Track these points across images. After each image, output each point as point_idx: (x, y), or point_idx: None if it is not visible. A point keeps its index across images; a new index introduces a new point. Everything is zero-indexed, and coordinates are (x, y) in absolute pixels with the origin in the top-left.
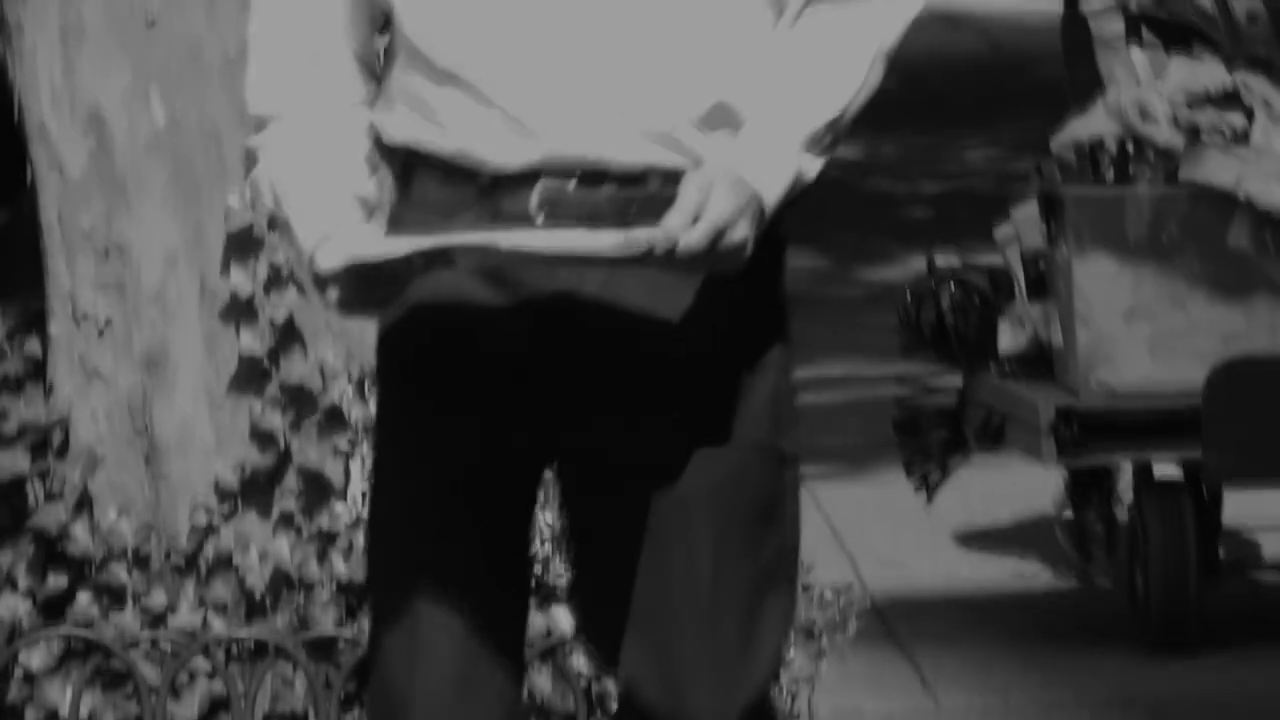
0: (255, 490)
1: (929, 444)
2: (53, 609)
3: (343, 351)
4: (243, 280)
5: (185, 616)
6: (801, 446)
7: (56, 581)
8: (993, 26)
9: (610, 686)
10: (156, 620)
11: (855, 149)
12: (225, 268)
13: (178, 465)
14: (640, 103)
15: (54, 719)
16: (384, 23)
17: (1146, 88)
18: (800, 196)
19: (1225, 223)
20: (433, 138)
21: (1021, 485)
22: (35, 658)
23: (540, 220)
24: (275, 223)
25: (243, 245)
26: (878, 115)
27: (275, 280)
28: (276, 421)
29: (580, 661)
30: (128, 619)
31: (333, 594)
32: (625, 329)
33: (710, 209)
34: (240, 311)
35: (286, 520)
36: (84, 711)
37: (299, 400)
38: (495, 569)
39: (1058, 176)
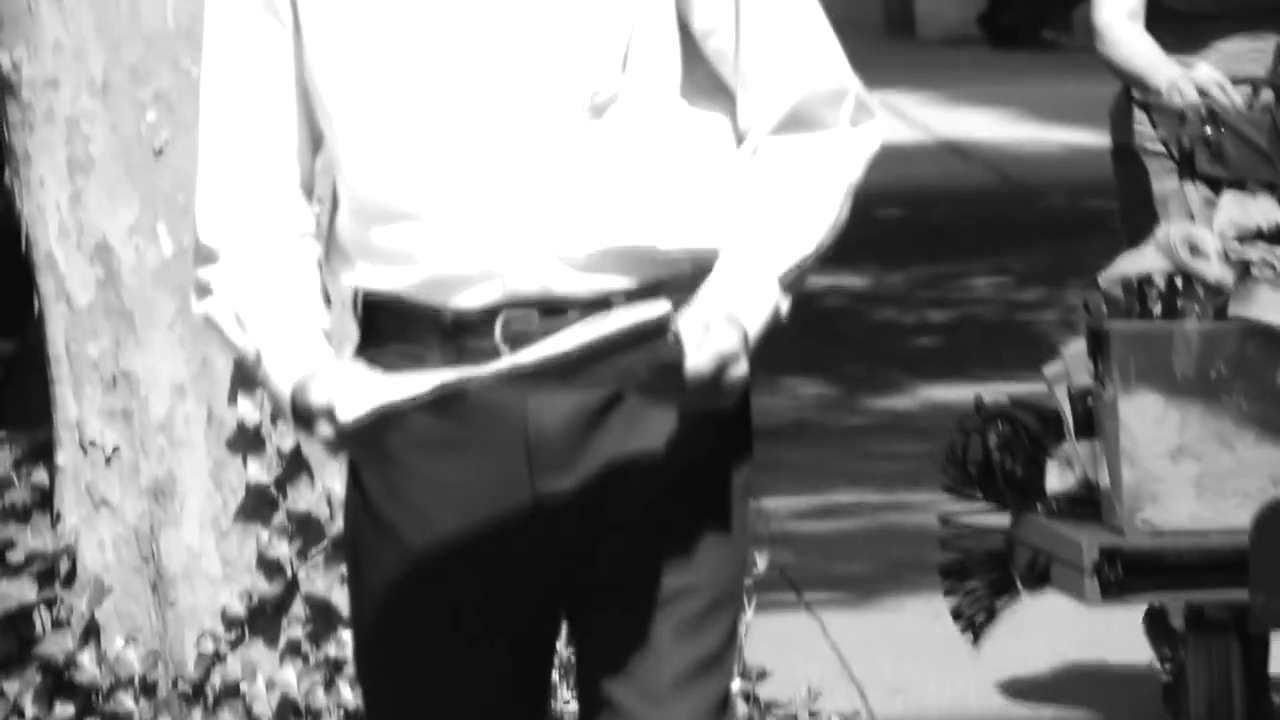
0: (262, 619)
1: (977, 589)
2: None
3: None
4: (250, 410)
5: None
6: (809, 574)
7: (64, 710)
8: (1001, 157)
9: None
10: None
11: (863, 278)
12: (233, 397)
13: (185, 594)
14: (598, 232)
15: None
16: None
17: (1196, 223)
18: (773, 333)
19: (1275, 360)
20: (389, 283)
21: (1029, 616)
22: None
23: (506, 354)
24: (239, 354)
25: (250, 375)
26: (886, 245)
27: (282, 410)
28: (284, 550)
29: None
30: None
31: None
32: (627, 461)
33: (714, 342)
34: (247, 441)
35: (294, 649)
36: None
37: (306, 529)
38: (510, 698)
39: (1104, 312)
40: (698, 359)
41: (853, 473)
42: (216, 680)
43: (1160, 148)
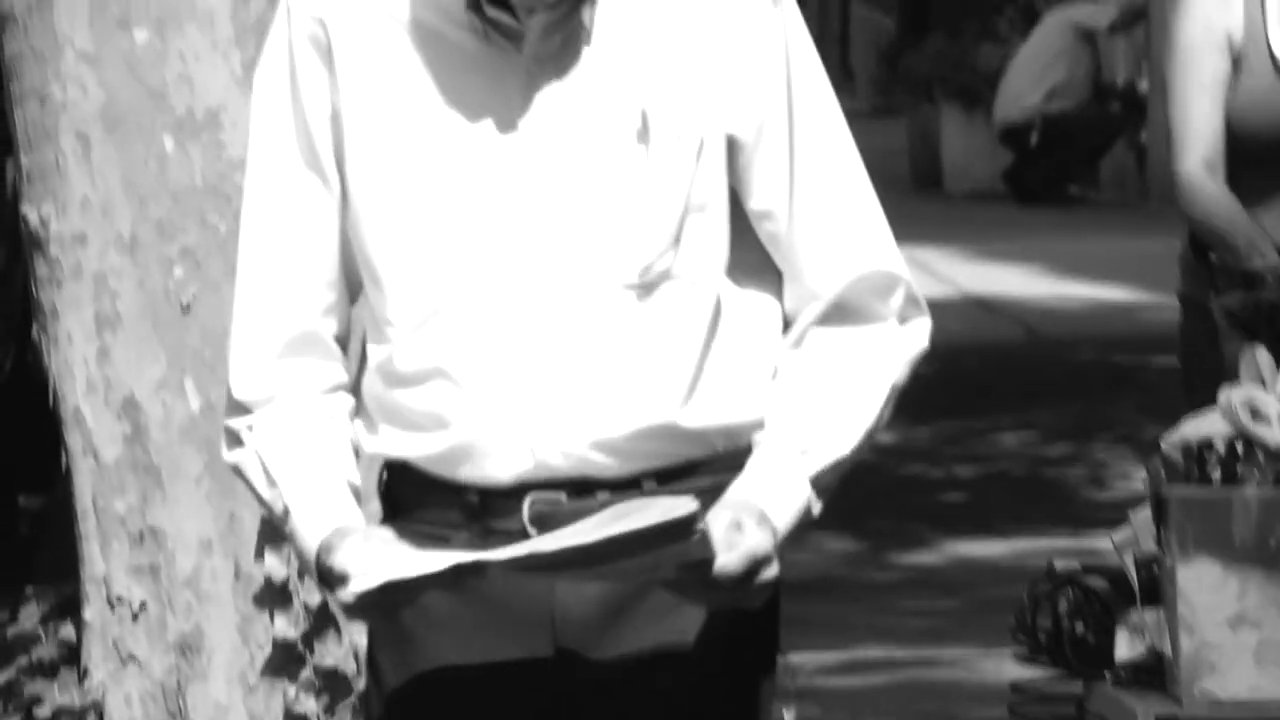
0: None
1: None
2: None
3: None
4: (277, 565)
5: None
6: None
7: None
8: (1028, 312)
9: None
10: None
11: (890, 433)
12: (259, 553)
13: None
14: (634, 411)
15: None
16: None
17: (1258, 386)
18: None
19: None
20: (415, 450)
21: None
22: None
23: (532, 535)
24: (267, 507)
25: (277, 531)
26: (914, 401)
27: (308, 567)
28: (311, 706)
29: None
30: None
31: None
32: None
33: (746, 543)
34: (274, 596)
35: None
36: None
37: (333, 685)
38: None
39: (1163, 477)
40: (729, 559)
41: (879, 628)
42: None
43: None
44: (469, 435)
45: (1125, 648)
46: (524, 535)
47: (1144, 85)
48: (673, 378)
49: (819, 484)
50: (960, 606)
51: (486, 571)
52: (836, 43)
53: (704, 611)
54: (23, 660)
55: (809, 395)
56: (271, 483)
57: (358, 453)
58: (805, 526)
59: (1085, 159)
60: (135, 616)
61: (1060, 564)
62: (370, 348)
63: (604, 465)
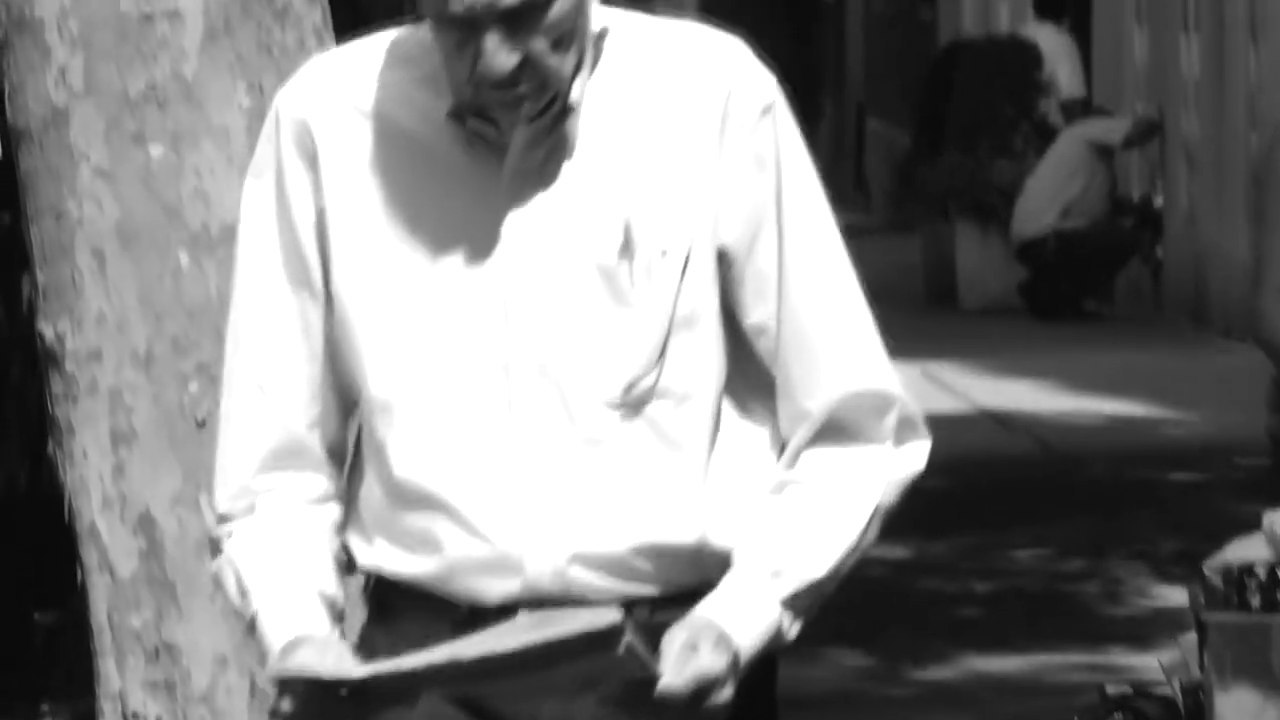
0: None
1: None
2: None
3: None
4: None
5: None
6: None
7: None
8: (1043, 427)
9: None
10: None
11: (906, 548)
12: None
13: None
14: (623, 532)
15: None
16: (352, 410)
17: None
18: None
19: None
20: (408, 566)
21: None
22: None
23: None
24: (243, 618)
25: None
26: (928, 515)
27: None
28: None
29: None
30: None
31: None
32: None
33: (697, 664)
34: None
35: None
36: None
37: None
38: None
39: (1202, 602)
40: (674, 680)
41: None
42: None
43: None
44: (460, 556)
45: None
46: None
47: (1159, 200)
48: (661, 498)
49: (795, 606)
50: None
51: (420, 684)
52: (851, 158)
53: None
54: None
55: (787, 516)
56: (243, 591)
57: (350, 564)
58: (777, 647)
59: (1101, 274)
60: None
61: (1111, 688)
62: (366, 463)
63: (594, 587)
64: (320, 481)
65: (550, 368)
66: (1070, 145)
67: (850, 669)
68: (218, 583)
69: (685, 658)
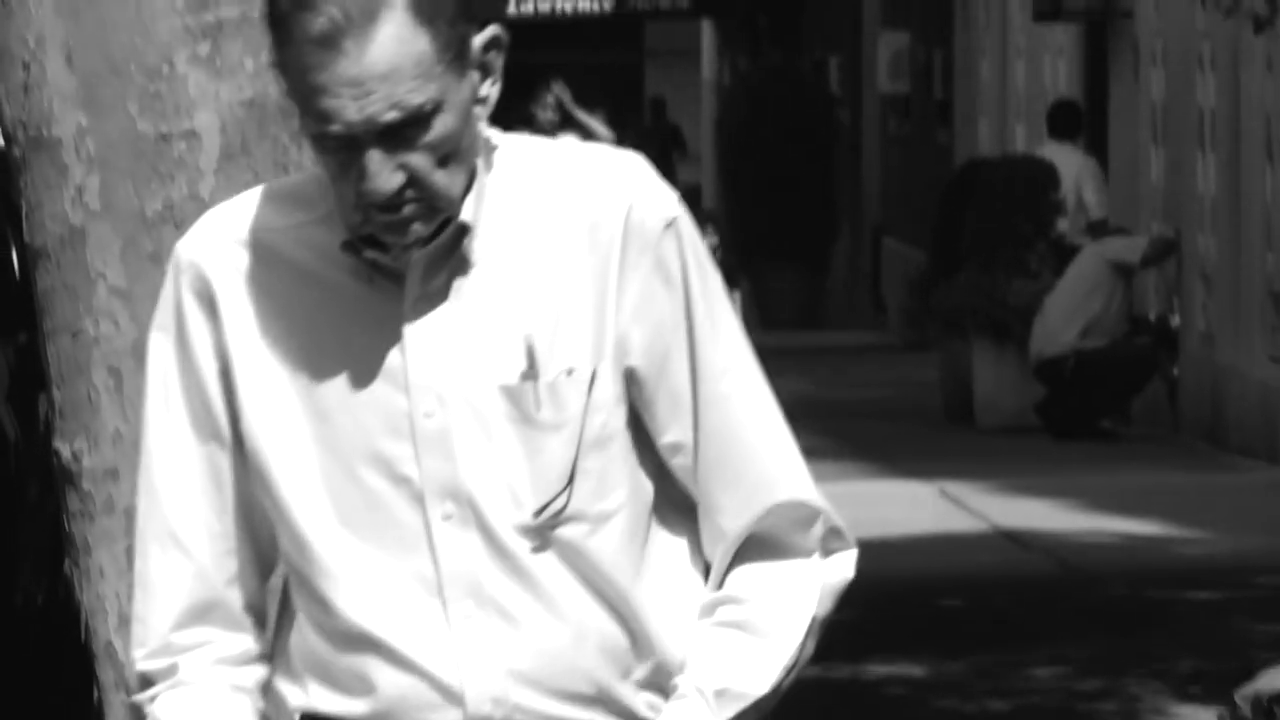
0: None
1: None
2: None
3: None
4: None
5: None
6: None
7: None
8: (1060, 546)
9: None
10: None
11: (922, 667)
12: None
13: None
14: (555, 661)
15: None
16: (272, 569)
17: None
18: None
19: None
20: (345, 708)
21: None
22: None
23: None
24: None
25: None
26: (945, 634)
27: None
28: None
29: None
30: None
31: None
32: None
33: None
34: None
35: None
36: None
37: None
38: None
39: None
40: None
41: None
42: None
43: None
44: (397, 694)
45: None
46: None
47: (1175, 320)
48: (588, 620)
49: None
50: None
51: None
52: (868, 277)
53: None
54: None
55: (725, 635)
56: None
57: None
58: None
59: (1119, 394)
60: None
61: None
62: (296, 605)
63: (537, 712)
64: (241, 640)
65: (463, 494)
66: (1089, 264)
67: None
68: None
69: None
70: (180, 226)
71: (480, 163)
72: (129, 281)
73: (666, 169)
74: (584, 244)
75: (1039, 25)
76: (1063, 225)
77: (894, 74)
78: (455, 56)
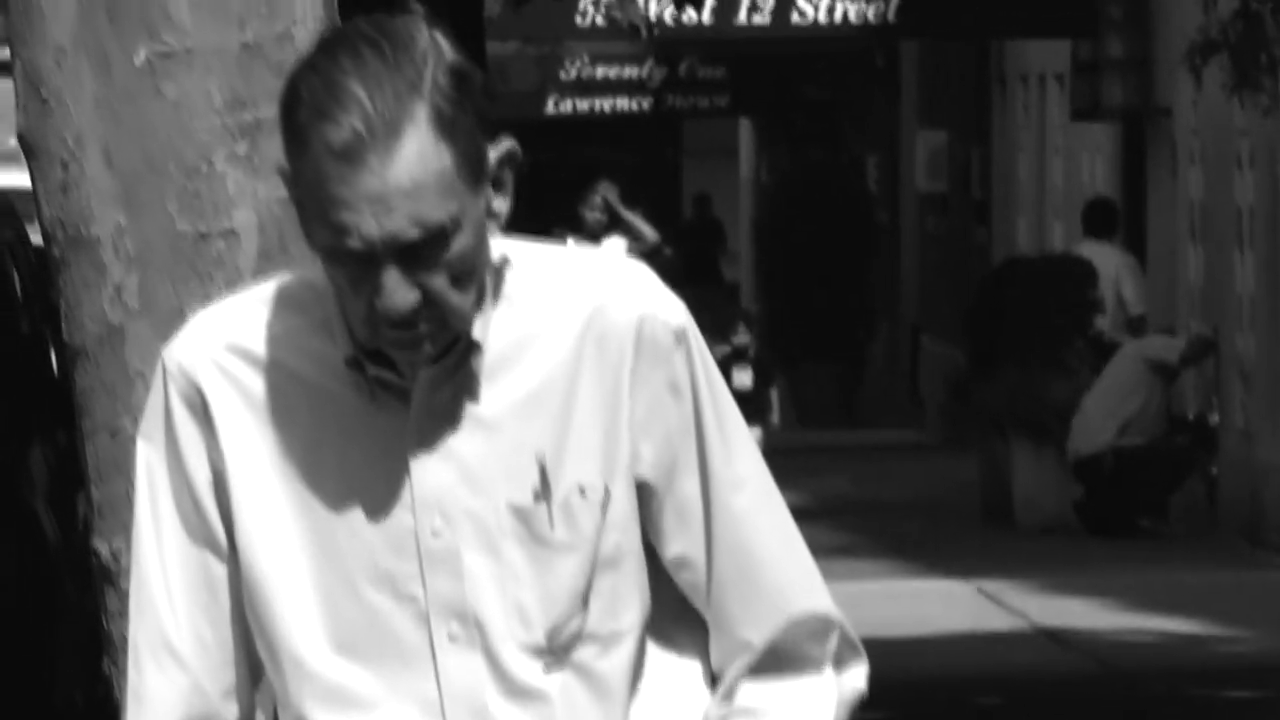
0: None
1: None
2: None
3: None
4: None
5: None
6: None
7: None
8: (1099, 645)
9: None
10: None
11: None
12: None
13: None
14: None
15: None
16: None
17: None
18: None
19: None
20: None
21: None
22: None
23: None
24: None
25: None
26: None
27: None
28: None
29: None
30: None
31: None
32: None
33: None
34: None
35: None
36: None
37: None
38: None
39: None
40: None
41: None
42: None
43: None
44: None
45: None
46: None
47: (1214, 418)
48: None
49: None
50: None
51: None
52: (905, 374)
53: None
54: None
55: None
56: None
57: None
58: None
59: (1157, 492)
60: None
61: None
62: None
63: None
64: None
65: (470, 615)
66: (1128, 363)
67: None
68: None
69: None
70: None
71: (489, 276)
72: None
73: (711, 266)
74: (593, 357)
75: (1077, 124)
76: (1102, 323)
77: (932, 172)
78: (473, 171)
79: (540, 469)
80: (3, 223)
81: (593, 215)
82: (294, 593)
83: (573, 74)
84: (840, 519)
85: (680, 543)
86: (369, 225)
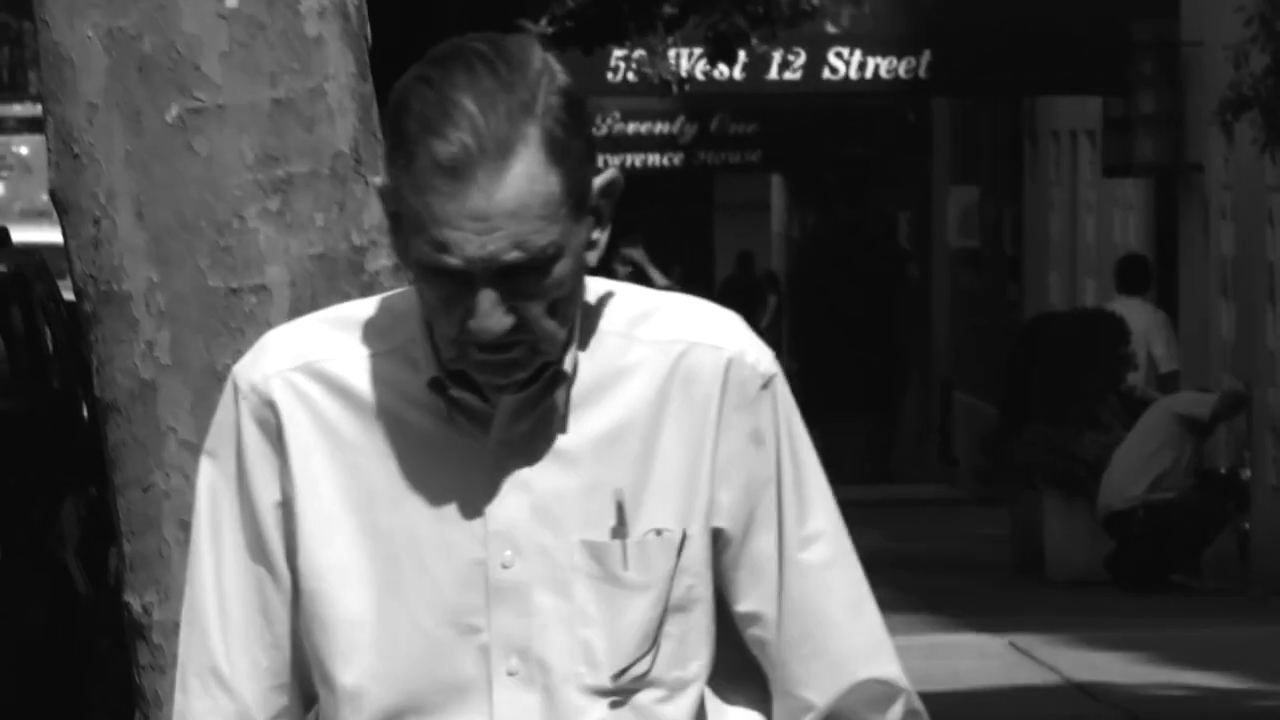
0: None
1: None
2: None
3: None
4: None
5: None
6: None
7: None
8: (1130, 699)
9: None
10: None
11: None
12: None
13: None
14: None
15: None
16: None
17: None
18: None
19: None
20: None
21: None
22: None
23: None
24: None
25: None
26: None
27: None
28: None
29: None
30: None
31: None
32: None
33: None
34: None
35: None
36: None
37: None
38: None
39: None
40: None
41: None
42: None
43: None
44: None
45: None
46: None
47: (1246, 473)
48: None
49: None
50: None
51: None
52: (937, 430)
53: None
54: None
55: None
56: None
57: None
58: None
59: (1189, 547)
60: None
61: None
62: None
63: None
64: None
65: (532, 652)
66: (1159, 418)
67: None
68: None
69: None
70: None
71: (581, 309)
72: (199, 435)
73: (752, 322)
74: (679, 399)
75: (1109, 180)
76: (1134, 379)
77: (964, 229)
78: (578, 199)
79: (618, 507)
80: (35, 278)
81: (622, 270)
82: (353, 621)
83: (604, 130)
84: (873, 574)
85: (753, 598)
86: (470, 244)
